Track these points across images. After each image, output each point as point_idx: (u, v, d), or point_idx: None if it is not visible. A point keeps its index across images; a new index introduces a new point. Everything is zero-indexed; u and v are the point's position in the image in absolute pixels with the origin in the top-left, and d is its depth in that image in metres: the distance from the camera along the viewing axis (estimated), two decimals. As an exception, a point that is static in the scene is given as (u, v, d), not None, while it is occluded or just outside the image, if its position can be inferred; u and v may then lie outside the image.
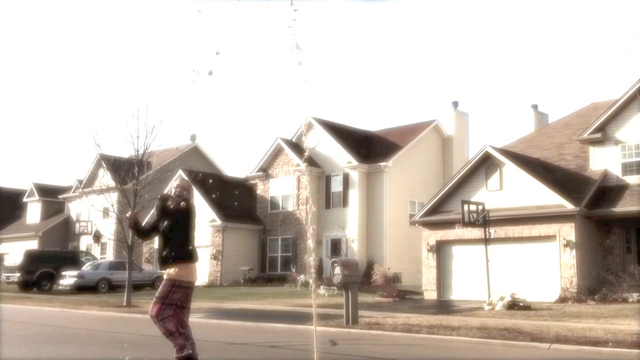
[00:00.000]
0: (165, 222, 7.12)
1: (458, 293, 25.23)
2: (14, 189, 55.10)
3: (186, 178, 7.06)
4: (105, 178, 35.86)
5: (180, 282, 6.97)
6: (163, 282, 7.08)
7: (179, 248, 7.04)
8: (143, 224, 7.92)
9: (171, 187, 7.32)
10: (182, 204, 7.12)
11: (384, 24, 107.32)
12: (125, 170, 24.62)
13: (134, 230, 7.75)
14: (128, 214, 7.64)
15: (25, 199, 52.27)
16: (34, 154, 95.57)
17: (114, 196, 25.89)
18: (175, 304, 6.91)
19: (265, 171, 37.19)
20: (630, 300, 20.23)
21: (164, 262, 7.09)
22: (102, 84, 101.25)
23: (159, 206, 7.21)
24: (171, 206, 7.15)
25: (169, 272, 7.02)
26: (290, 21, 5.70)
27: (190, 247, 7.15)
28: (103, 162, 38.77)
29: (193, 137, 44.58)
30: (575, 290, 21.78)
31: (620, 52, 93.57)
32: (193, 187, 7.83)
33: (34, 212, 51.43)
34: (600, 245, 23.81)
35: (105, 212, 25.94)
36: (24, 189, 53.56)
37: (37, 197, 51.07)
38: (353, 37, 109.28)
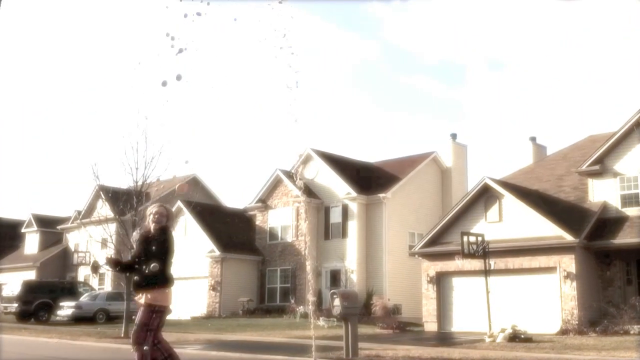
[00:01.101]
0: (143, 248, 7.15)
1: (459, 325, 25.07)
2: (12, 219, 55.09)
3: (165, 205, 7.09)
4: (104, 209, 35.75)
5: (159, 306, 7.03)
6: (141, 308, 7.08)
7: (156, 273, 7.05)
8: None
9: (149, 213, 7.29)
10: (158, 229, 7.14)
11: (381, 55, 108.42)
12: (124, 201, 24.61)
13: (119, 270, 7.80)
14: (105, 261, 7.63)
15: (23, 230, 52.19)
16: (33, 184, 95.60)
17: (112, 227, 25.82)
18: (154, 329, 6.96)
19: (264, 202, 37.16)
20: (631, 332, 20.10)
21: (140, 286, 7.10)
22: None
23: (141, 243, 7.21)
24: (150, 230, 7.20)
25: (147, 296, 7.03)
26: (290, 58, 5.79)
27: (167, 273, 7.17)
28: (102, 193, 38.63)
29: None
30: (577, 322, 21.66)
31: (619, 85, 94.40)
32: (172, 212, 7.84)
33: (32, 242, 51.31)
34: (600, 277, 23.73)
35: (104, 243, 25.84)
36: (22, 220, 53.52)
37: (35, 227, 51.00)
38: (351, 69, 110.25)
